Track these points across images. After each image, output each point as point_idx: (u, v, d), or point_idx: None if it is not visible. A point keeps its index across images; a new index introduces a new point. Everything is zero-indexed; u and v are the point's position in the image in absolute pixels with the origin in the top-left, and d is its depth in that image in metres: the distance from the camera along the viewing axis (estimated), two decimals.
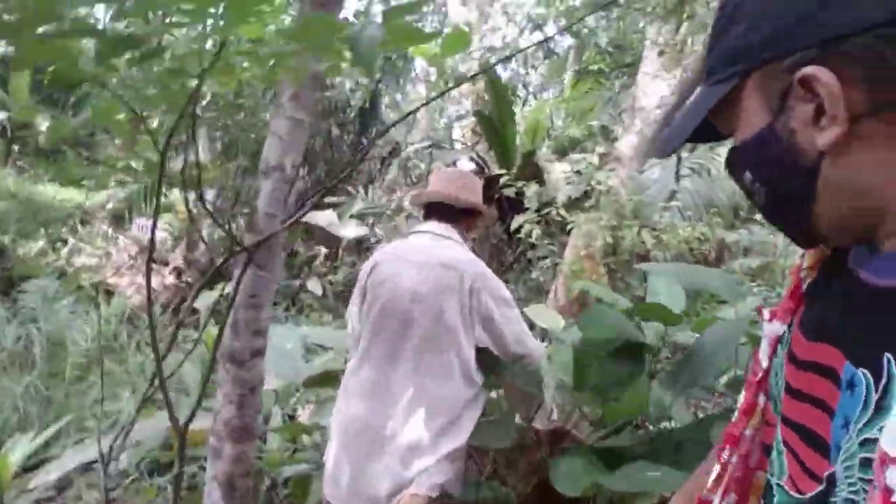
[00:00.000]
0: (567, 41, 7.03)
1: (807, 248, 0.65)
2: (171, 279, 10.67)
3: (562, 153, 6.08)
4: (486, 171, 6.55)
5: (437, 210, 1.87)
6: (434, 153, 6.40)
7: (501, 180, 5.38)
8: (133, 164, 9.87)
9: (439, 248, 1.80)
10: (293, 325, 3.60)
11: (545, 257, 5.77)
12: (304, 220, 5.76)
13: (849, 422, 0.50)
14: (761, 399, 0.69)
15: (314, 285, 5.68)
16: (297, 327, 3.45)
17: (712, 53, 0.59)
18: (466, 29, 6.41)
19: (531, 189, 5.30)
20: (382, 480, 1.63)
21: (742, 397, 0.72)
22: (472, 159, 6.56)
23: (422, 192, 1.94)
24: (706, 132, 0.61)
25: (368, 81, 8.61)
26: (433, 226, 1.85)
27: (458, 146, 6.65)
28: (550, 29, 6.54)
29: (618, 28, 5.73)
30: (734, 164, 0.60)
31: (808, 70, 0.49)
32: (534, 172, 5.75)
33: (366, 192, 6.82)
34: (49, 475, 2.51)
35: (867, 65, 0.48)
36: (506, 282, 6.73)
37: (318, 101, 1.39)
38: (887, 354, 0.47)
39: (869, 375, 0.49)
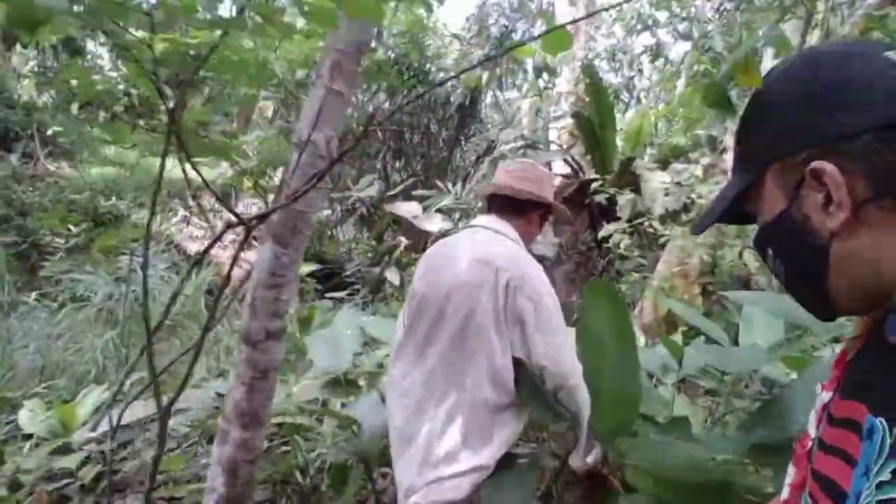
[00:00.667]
0: (681, 46, 6.60)
1: (823, 319, 0.68)
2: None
3: (663, 162, 5.70)
4: (581, 175, 6.28)
5: (497, 203, 1.75)
6: (528, 153, 6.21)
7: (593, 186, 5.12)
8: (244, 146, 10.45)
9: (484, 242, 1.67)
10: (357, 312, 3.56)
11: (634, 270, 5.43)
12: (390, 209, 5.77)
13: (869, 469, 0.53)
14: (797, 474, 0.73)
15: (393, 275, 5.67)
16: (362, 315, 3.40)
17: (740, 152, 0.69)
18: (569, 29, 6.18)
19: (624, 197, 5.00)
20: (403, 479, 1.56)
21: (792, 470, 0.74)
22: (566, 162, 6.32)
23: (484, 186, 1.84)
24: (743, 215, 0.70)
25: (469, 78, 8.55)
26: (488, 219, 1.74)
27: (553, 147, 6.41)
28: (662, 30, 6.17)
29: (737, 33, 5.26)
30: (759, 243, 0.68)
31: (816, 164, 0.58)
32: (630, 180, 5.42)
33: (460, 189, 6.74)
34: (103, 427, 2.61)
35: (866, 161, 0.57)
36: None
37: (357, 73, 1.31)
38: None
39: (885, 423, 0.53)
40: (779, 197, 0.64)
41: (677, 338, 4.02)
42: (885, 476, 0.51)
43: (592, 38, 7.51)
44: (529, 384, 1.58)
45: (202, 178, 1.04)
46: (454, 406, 1.54)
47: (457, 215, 6.13)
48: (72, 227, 5.58)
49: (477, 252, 1.62)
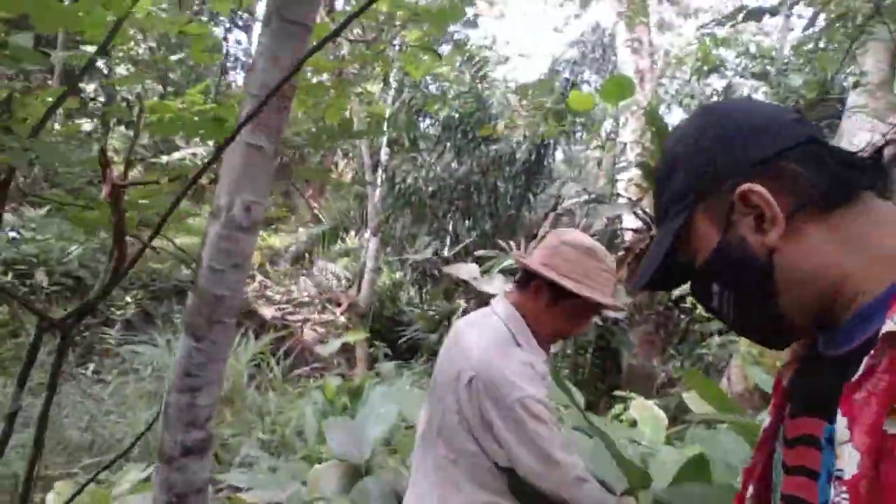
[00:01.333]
0: (754, 86, 6.09)
1: (781, 348, 0.71)
2: (342, 319, 11.24)
3: None
4: (653, 228, 5.83)
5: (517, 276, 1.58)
6: (593, 208, 5.84)
7: None
8: (317, 210, 10.71)
9: (475, 324, 1.50)
10: (399, 389, 3.27)
11: (718, 332, 4.86)
12: (448, 272, 5.54)
13: (831, 475, 0.56)
14: (750, 489, 0.74)
15: None
16: (402, 390, 3.12)
17: (662, 199, 0.71)
18: (633, 77, 5.87)
19: None
20: None
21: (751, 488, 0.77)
22: (636, 215, 5.89)
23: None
24: (680, 274, 0.72)
25: (534, 134, 8.37)
26: (498, 300, 1.53)
27: (621, 200, 6.02)
28: (731, 71, 5.72)
29: (813, 68, 4.74)
30: (702, 283, 0.69)
31: (743, 188, 0.63)
32: None
33: (525, 248, 6.44)
34: None
35: (783, 178, 0.63)
36: (671, 356, 5.82)
37: (282, 124, 1.14)
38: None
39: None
40: (711, 231, 0.66)
41: None
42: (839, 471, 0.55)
43: (661, 85, 7.16)
44: (522, 494, 1.36)
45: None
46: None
47: (518, 276, 5.81)
48: (128, 298, 5.72)
49: (463, 338, 1.47)
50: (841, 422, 0.56)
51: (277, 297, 10.58)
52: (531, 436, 1.30)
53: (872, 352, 0.56)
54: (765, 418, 0.77)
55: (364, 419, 2.65)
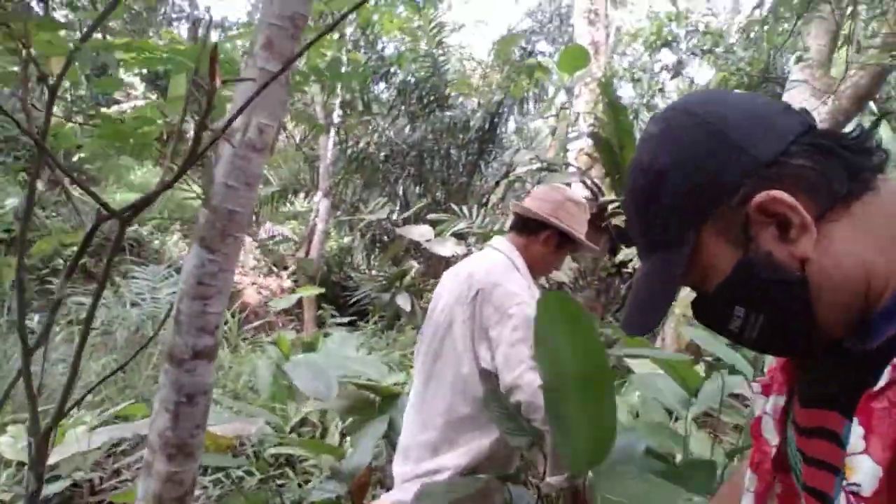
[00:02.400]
0: (702, 62, 6.39)
1: (806, 359, 0.64)
2: (288, 283, 11.16)
3: None
4: (600, 197, 6.08)
5: (512, 222, 1.81)
6: (544, 176, 6.03)
7: (611, 208, 4.91)
8: (266, 170, 10.51)
9: (476, 259, 1.77)
10: (350, 338, 3.37)
11: None
12: (401, 233, 5.63)
13: None
14: (777, 486, 0.70)
15: (404, 301, 5.50)
16: (353, 343, 3.22)
17: (650, 223, 0.62)
18: (588, 48, 6.02)
19: None
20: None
21: (751, 476, 0.73)
22: (584, 184, 6.12)
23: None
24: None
25: (489, 103, 8.46)
26: (497, 239, 1.80)
27: (571, 170, 6.23)
28: (681, 47, 5.98)
29: (759, 48, 5.04)
30: (718, 308, 0.61)
31: (761, 196, 0.55)
32: None
33: (476, 214, 6.58)
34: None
35: (799, 177, 0.56)
36: (608, 323, 6.13)
37: (294, 50, 1.20)
38: None
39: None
40: (725, 251, 0.59)
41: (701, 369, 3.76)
42: None
43: (612, 59, 7.36)
44: (492, 396, 1.58)
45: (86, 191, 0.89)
46: (426, 414, 1.66)
47: (471, 239, 5.95)
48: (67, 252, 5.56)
49: (468, 267, 1.70)
50: (856, 431, 0.52)
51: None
52: (521, 336, 1.51)
53: (895, 361, 0.51)
54: (759, 400, 0.73)
55: (325, 358, 2.73)
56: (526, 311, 1.53)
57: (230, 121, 0.70)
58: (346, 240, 9.99)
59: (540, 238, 1.74)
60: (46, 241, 1.36)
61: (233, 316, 6.37)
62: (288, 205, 10.70)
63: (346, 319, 5.99)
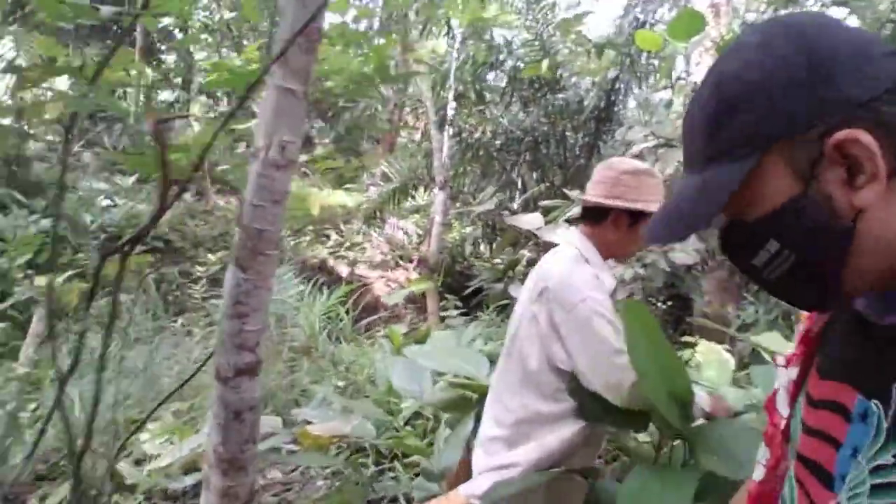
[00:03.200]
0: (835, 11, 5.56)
1: (821, 311, 0.65)
2: (414, 274, 11.49)
3: None
4: None
5: (582, 213, 1.74)
6: (663, 152, 5.62)
7: None
8: (386, 168, 10.87)
9: (551, 255, 1.70)
10: (463, 329, 3.35)
11: None
12: (511, 223, 5.54)
13: (858, 451, 0.55)
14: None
15: (516, 290, 5.41)
16: (461, 341, 3.20)
17: (715, 142, 0.58)
18: (707, 11, 5.52)
19: None
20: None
21: (764, 450, 0.76)
22: None
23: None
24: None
25: (604, 80, 8.07)
26: (570, 232, 1.75)
27: None
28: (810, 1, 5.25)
29: None
30: (751, 237, 0.58)
31: (844, 134, 0.52)
32: None
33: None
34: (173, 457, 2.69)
35: (885, 126, 0.52)
36: (749, 302, 5.61)
37: (311, 65, 1.18)
38: (895, 385, 0.53)
39: (880, 406, 0.54)
40: (784, 181, 0.55)
41: None
42: (885, 459, 0.52)
43: (737, 18, 6.69)
44: (581, 395, 1.54)
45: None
46: (498, 410, 1.66)
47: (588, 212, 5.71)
48: (211, 256, 6.09)
49: (540, 264, 1.68)
50: None
51: (351, 254, 10.95)
52: (594, 333, 1.48)
53: None
54: (786, 369, 0.72)
55: (425, 356, 2.75)
56: (589, 308, 1.49)
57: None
58: (469, 229, 10.07)
59: (608, 223, 1.64)
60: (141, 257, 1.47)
61: (355, 309, 6.62)
62: (410, 199, 11.00)
63: (459, 312, 6.01)
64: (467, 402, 2.40)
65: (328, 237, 10.76)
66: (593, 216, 1.66)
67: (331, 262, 10.07)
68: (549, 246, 6.21)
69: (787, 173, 0.55)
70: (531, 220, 5.31)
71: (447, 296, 7.86)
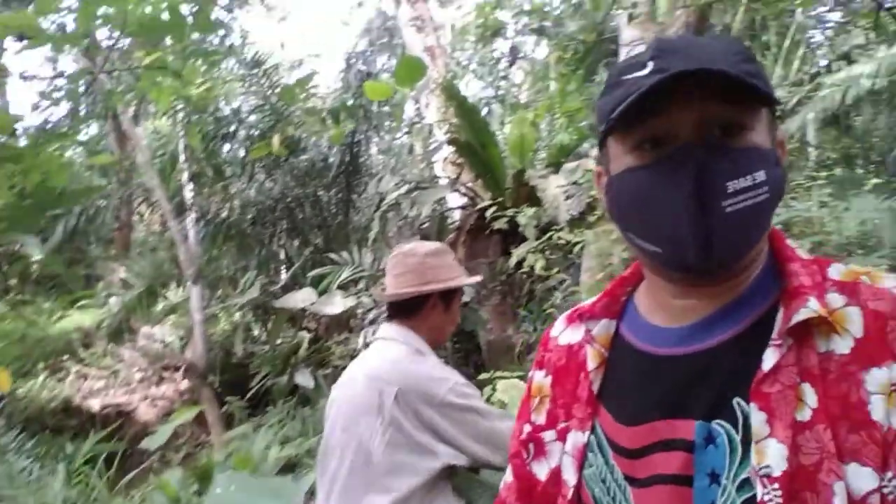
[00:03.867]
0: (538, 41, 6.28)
1: (728, 267, 0.62)
2: (184, 384, 10.11)
3: (556, 165, 5.24)
4: (478, 201, 5.76)
5: (392, 309, 1.63)
6: (417, 196, 5.63)
7: (489, 212, 4.58)
8: (124, 274, 9.45)
9: (374, 356, 1.57)
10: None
11: (556, 289, 4.89)
12: (279, 306, 5.03)
13: (718, 474, 0.57)
14: None
15: (304, 378, 4.89)
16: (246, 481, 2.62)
17: (755, 64, 0.61)
18: (423, 55, 5.71)
19: (524, 215, 4.47)
20: None
21: None
22: (460, 193, 5.79)
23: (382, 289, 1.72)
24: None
25: (337, 134, 7.99)
26: (386, 328, 1.62)
27: (442, 182, 5.88)
28: (510, 33, 5.82)
29: (583, 13, 4.93)
30: (746, 162, 0.59)
31: (779, 133, 0.65)
32: (528, 193, 4.92)
33: (359, 255, 6.02)
34: None
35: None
36: (522, 319, 5.78)
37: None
38: (735, 399, 0.58)
39: (726, 424, 0.57)
40: (766, 136, 0.61)
41: None
42: (747, 473, 0.56)
43: (451, 59, 7.12)
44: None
45: None
46: None
47: (360, 286, 5.43)
48: None
49: (369, 367, 1.52)
50: (758, 416, 0.55)
51: (101, 383, 9.26)
52: (473, 419, 1.41)
53: (779, 341, 0.57)
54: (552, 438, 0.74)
55: None
56: (458, 392, 1.43)
57: None
58: (237, 316, 9.17)
59: (427, 310, 1.59)
60: None
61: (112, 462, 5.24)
62: (161, 300, 9.68)
63: (246, 427, 5.26)
64: None
65: (65, 371, 8.94)
66: (409, 309, 1.59)
67: (76, 400, 8.35)
68: (329, 319, 5.78)
69: (769, 132, 0.62)
70: (303, 298, 4.88)
71: (228, 399, 6.94)
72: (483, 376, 4.57)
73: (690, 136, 0.57)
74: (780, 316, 0.59)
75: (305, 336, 5.31)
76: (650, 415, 0.63)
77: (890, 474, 0.52)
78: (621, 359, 0.70)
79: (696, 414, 0.59)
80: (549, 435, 0.74)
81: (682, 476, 0.59)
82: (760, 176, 0.58)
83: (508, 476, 0.83)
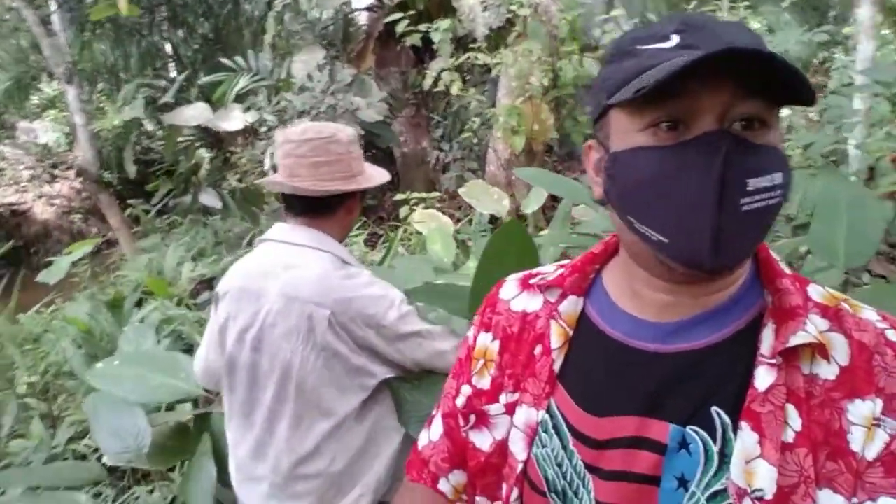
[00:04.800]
0: None
1: (727, 266, 0.57)
2: (77, 183, 9.54)
3: None
4: (385, 4, 5.23)
5: (298, 205, 1.36)
6: None
7: (399, 28, 4.20)
8: None
9: (286, 266, 1.31)
10: (143, 332, 2.65)
11: (476, 115, 4.77)
12: (171, 121, 4.62)
13: (687, 480, 0.57)
14: (514, 491, 0.68)
15: (210, 199, 4.72)
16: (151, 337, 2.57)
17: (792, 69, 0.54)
18: None
19: (440, 29, 4.14)
20: None
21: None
22: None
23: (272, 178, 1.42)
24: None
25: None
26: (284, 229, 1.37)
27: None
28: None
29: None
30: (764, 159, 0.55)
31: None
32: (441, 2, 4.50)
33: (256, 60, 5.43)
34: None
35: None
36: (438, 141, 5.72)
37: None
38: (714, 407, 0.57)
39: (701, 431, 0.57)
40: (778, 136, 0.58)
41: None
42: (721, 484, 0.57)
43: None
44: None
45: None
46: (293, 480, 1.30)
47: (260, 98, 5.03)
48: None
49: (286, 282, 1.28)
50: (749, 437, 0.55)
51: None
52: (416, 343, 1.31)
53: (773, 361, 0.56)
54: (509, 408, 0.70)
55: (125, 382, 2.17)
56: (397, 309, 1.30)
57: None
58: (127, 109, 8.38)
59: (342, 210, 1.39)
60: None
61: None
62: (36, 94, 8.58)
63: (154, 239, 5.11)
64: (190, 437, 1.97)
65: None
66: (322, 206, 1.35)
67: None
68: (229, 134, 5.38)
69: (776, 130, 0.57)
70: (197, 114, 4.49)
71: (131, 203, 6.65)
72: (399, 197, 4.62)
73: (713, 124, 0.53)
74: (768, 332, 0.58)
75: (205, 155, 4.99)
76: (621, 409, 0.61)
77: (856, 500, 0.54)
78: (587, 342, 0.67)
79: (671, 416, 0.58)
80: (494, 408, 0.71)
81: (650, 476, 0.59)
82: (779, 178, 0.55)
83: (435, 434, 0.79)
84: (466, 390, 0.75)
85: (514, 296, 0.75)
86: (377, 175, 1.45)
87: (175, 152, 4.84)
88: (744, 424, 0.55)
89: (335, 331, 1.24)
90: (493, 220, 4.24)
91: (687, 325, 0.61)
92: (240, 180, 5.35)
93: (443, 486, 0.78)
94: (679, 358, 0.60)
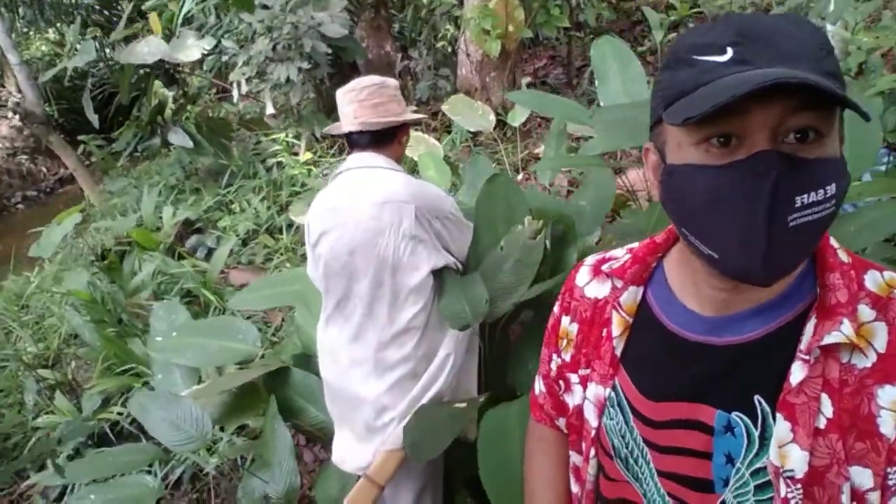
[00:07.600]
0: None
1: (777, 276, 0.58)
2: (16, 121, 8.97)
3: None
4: None
5: (364, 139, 1.69)
6: None
7: None
8: None
9: (368, 182, 1.63)
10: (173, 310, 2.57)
11: (442, 13, 4.52)
12: (125, 60, 4.31)
13: (733, 458, 0.64)
14: (591, 451, 0.80)
15: (179, 138, 4.52)
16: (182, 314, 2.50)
17: (833, 63, 0.56)
18: None
19: None
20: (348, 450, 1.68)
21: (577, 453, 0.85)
22: None
23: (335, 124, 1.75)
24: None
25: None
26: (364, 157, 1.69)
27: None
28: None
29: None
30: (818, 172, 0.55)
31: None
32: None
33: None
34: None
35: None
36: (408, 58, 5.48)
37: None
38: (757, 396, 0.62)
39: (745, 417, 0.63)
40: (837, 140, 0.57)
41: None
42: (762, 463, 0.64)
43: None
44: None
45: None
46: (385, 359, 1.60)
47: (211, 21, 4.68)
48: None
49: (374, 193, 1.59)
50: (783, 425, 0.60)
51: None
52: (460, 230, 1.74)
53: (807, 357, 0.60)
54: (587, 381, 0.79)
55: (167, 350, 2.22)
56: (453, 205, 1.70)
57: None
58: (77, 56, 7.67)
59: (397, 139, 1.73)
60: None
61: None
62: None
63: (122, 181, 4.86)
64: (255, 393, 2.05)
65: None
66: (384, 137, 1.69)
67: None
68: (189, 66, 5.00)
69: (839, 133, 0.57)
70: (151, 50, 4.18)
71: (83, 140, 6.30)
72: None
73: (765, 141, 0.54)
74: (810, 327, 0.62)
75: (167, 93, 4.70)
76: (674, 395, 0.69)
77: (891, 470, 0.58)
78: (646, 329, 0.74)
79: (717, 403, 0.65)
80: (574, 378, 0.82)
81: (702, 452, 0.66)
82: (831, 189, 0.55)
83: (540, 388, 0.95)
84: (557, 360, 0.87)
85: (587, 282, 0.83)
86: (416, 114, 1.81)
87: (132, 94, 4.55)
88: (778, 414, 0.61)
89: (420, 221, 1.57)
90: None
91: (737, 318, 0.65)
92: (201, 112, 5.10)
93: (560, 423, 0.92)
94: (728, 350, 0.65)
